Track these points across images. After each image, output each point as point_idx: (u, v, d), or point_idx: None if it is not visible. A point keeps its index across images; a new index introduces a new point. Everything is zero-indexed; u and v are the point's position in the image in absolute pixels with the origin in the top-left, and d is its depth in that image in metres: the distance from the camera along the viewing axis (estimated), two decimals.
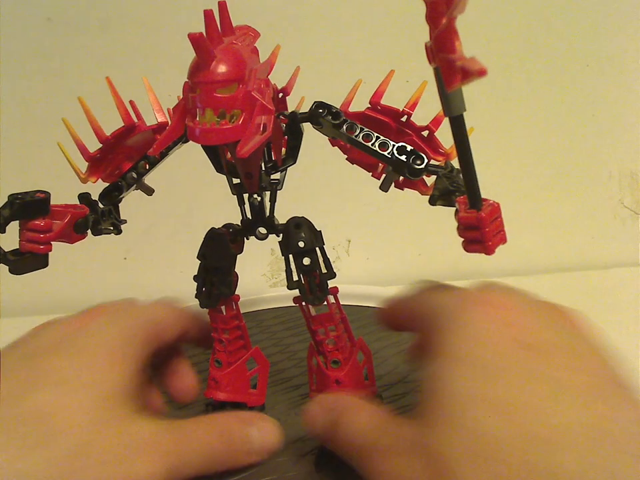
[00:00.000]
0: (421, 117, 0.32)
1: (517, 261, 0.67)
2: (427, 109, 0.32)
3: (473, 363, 0.22)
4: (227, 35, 0.26)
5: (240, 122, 0.24)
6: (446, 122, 0.32)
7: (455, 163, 0.31)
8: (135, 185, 0.34)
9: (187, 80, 0.25)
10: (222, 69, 0.24)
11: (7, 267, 0.27)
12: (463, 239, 0.25)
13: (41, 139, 0.56)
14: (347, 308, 0.33)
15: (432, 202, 0.28)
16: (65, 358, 0.27)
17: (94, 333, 0.29)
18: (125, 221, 0.34)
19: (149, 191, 0.35)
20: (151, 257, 0.63)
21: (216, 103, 0.24)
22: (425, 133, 0.32)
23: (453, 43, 0.19)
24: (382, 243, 0.67)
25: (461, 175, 0.30)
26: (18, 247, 0.27)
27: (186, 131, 0.25)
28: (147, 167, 0.33)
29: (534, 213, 0.70)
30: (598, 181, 0.73)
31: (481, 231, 0.23)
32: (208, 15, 0.24)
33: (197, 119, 0.24)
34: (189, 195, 0.62)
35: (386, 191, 0.33)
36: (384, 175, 0.33)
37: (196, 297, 0.33)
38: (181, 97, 0.25)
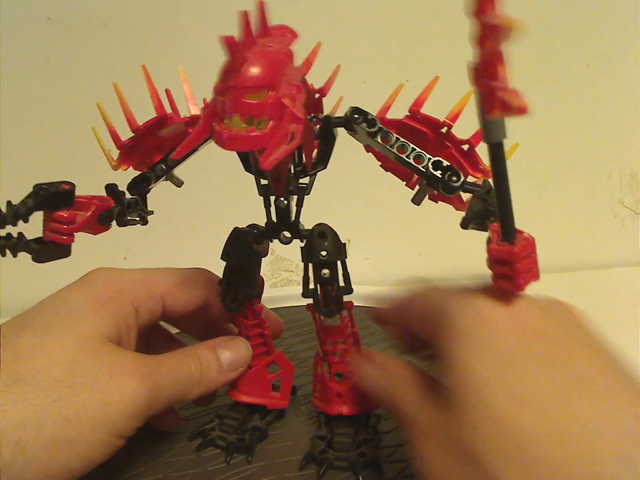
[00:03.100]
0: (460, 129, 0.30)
1: None
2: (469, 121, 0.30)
3: (493, 352, 0.22)
4: (262, 36, 0.25)
5: (267, 130, 0.23)
6: None
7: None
8: (164, 177, 0.33)
9: (217, 83, 0.24)
10: (252, 73, 0.23)
11: (30, 255, 0.27)
12: (491, 272, 0.23)
13: (41, 138, 0.56)
14: None
15: (464, 225, 0.27)
16: (51, 307, 0.28)
17: (82, 288, 0.30)
18: (152, 212, 0.34)
19: (179, 183, 0.35)
20: (151, 257, 0.62)
21: (244, 109, 0.23)
22: (465, 147, 0.30)
23: (496, 69, 0.18)
24: (382, 243, 0.67)
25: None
26: (42, 236, 0.27)
27: None
28: (176, 160, 0.32)
29: (533, 213, 0.71)
30: (598, 180, 0.72)
31: (512, 266, 0.22)
32: (243, 16, 0.22)
33: (225, 123, 0.24)
34: (189, 195, 0.62)
35: (418, 204, 0.31)
36: (417, 188, 0.31)
37: (221, 302, 0.33)
38: (207, 99, 0.24)
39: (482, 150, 0.30)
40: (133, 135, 0.33)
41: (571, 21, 0.65)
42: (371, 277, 0.63)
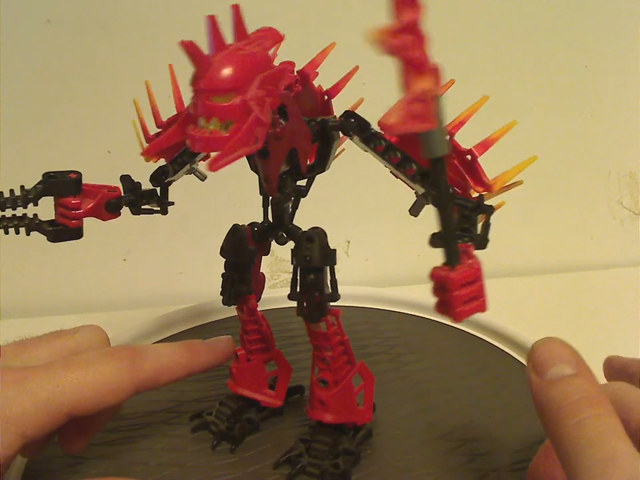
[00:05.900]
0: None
1: (516, 261, 0.66)
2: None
3: None
4: (239, 39, 0.25)
5: (229, 133, 0.24)
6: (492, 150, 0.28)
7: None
8: (187, 170, 0.35)
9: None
10: (218, 77, 0.23)
11: (45, 236, 0.30)
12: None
13: (40, 140, 0.57)
14: (347, 309, 0.32)
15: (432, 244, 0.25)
16: None
17: None
18: (172, 203, 0.36)
19: (202, 177, 0.36)
20: (150, 258, 0.62)
21: (209, 112, 0.23)
22: (469, 157, 0.28)
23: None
24: (381, 244, 0.66)
25: (479, 217, 0.26)
26: (54, 218, 0.30)
27: None
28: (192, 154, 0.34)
29: (533, 213, 0.70)
30: (597, 181, 0.72)
31: (447, 294, 0.20)
32: (210, 21, 0.23)
33: (198, 125, 0.24)
34: (188, 196, 0.61)
35: (415, 216, 0.30)
36: (415, 200, 0.30)
37: (221, 294, 0.34)
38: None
39: (483, 161, 0.28)
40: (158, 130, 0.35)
41: (570, 22, 0.64)
42: (370, 278, 0.63)
